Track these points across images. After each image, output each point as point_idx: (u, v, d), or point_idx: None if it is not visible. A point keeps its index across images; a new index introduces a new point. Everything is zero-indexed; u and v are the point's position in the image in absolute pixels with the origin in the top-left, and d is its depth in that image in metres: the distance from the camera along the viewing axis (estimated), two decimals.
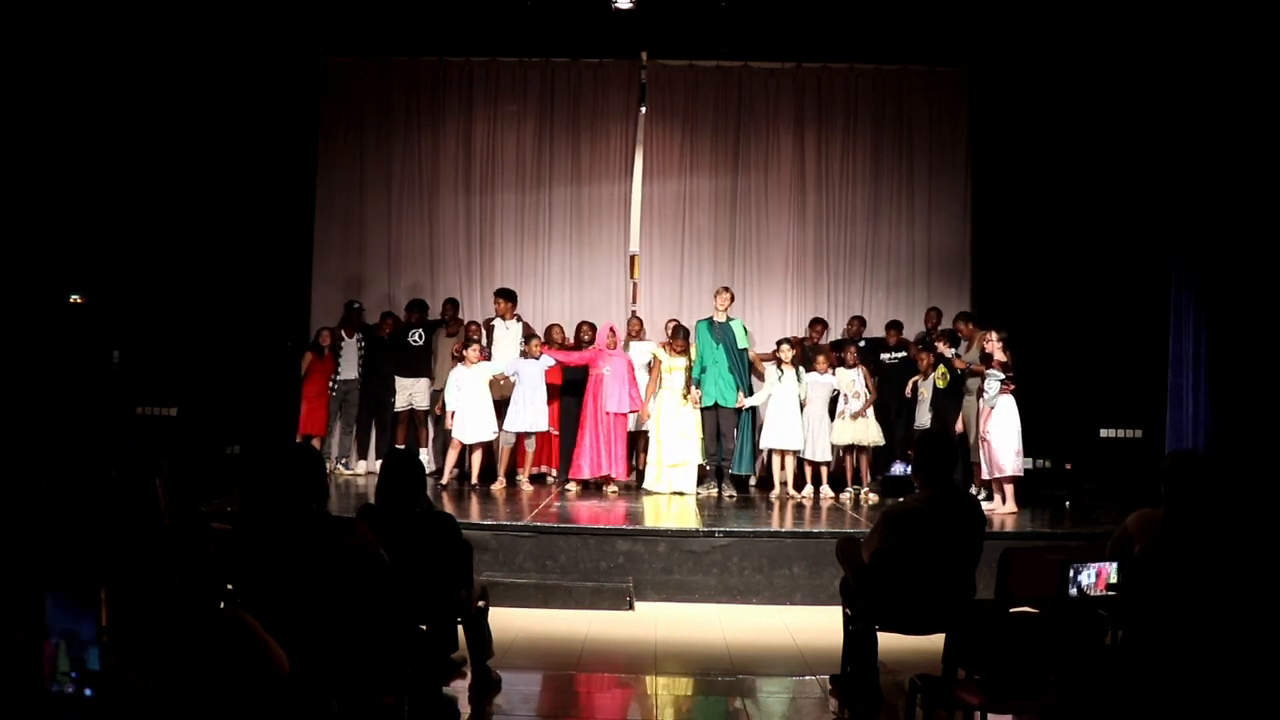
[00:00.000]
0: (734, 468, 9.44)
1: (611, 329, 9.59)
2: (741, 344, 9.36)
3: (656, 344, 10.14)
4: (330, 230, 11.22)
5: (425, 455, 10.38)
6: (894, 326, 10.41)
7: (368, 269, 11.26)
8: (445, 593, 4.49)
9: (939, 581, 4.43)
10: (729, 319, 9.44)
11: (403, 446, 10.14)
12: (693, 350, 9.43)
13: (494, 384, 9.52)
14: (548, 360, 9.43)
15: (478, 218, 11.35)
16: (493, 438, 9.41)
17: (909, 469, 8.96)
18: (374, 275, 11.26)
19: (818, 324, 10.55)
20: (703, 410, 9.30)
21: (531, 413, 9.29)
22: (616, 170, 11.37)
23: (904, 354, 10.12)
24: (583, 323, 10.13)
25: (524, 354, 9.51)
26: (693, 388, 9.27)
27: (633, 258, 11.43)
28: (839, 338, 10.77)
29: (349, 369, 10.39)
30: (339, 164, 11.26)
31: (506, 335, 10.09)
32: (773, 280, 11.30)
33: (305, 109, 11.00)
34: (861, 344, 10.20)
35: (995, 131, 10.85)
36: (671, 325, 9.84)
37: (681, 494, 9.19)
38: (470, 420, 9.22)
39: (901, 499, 4.89)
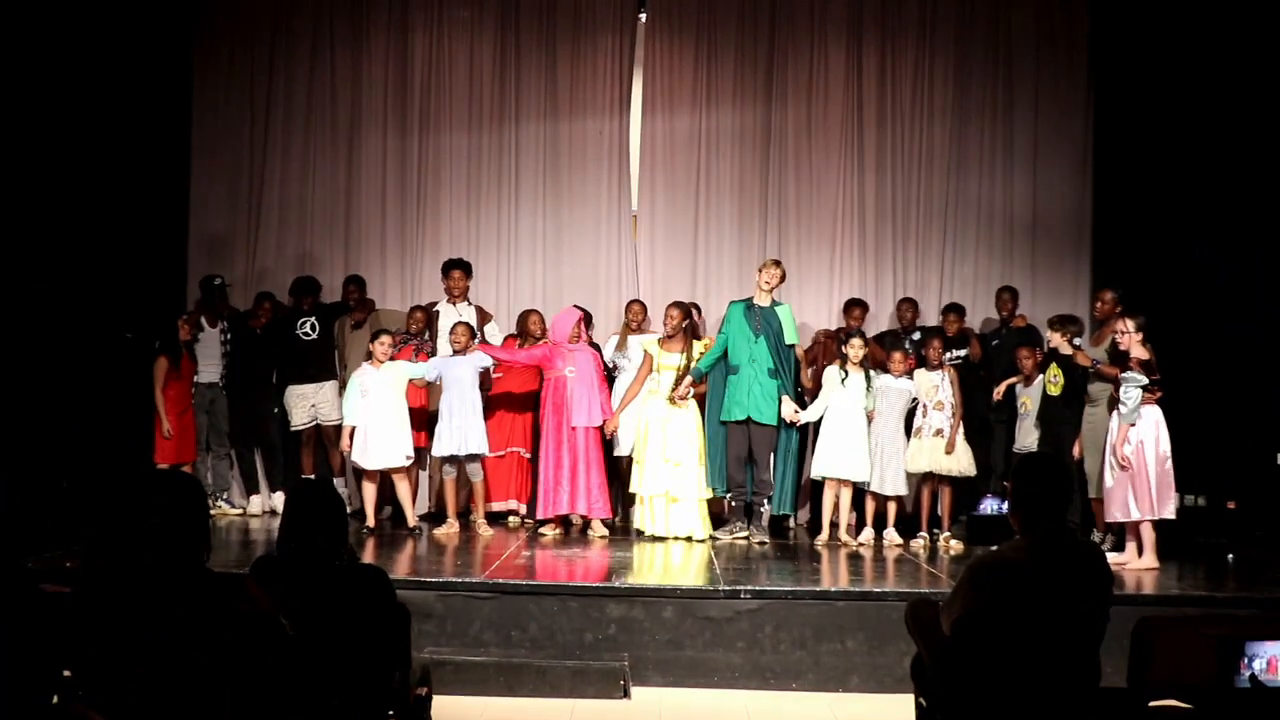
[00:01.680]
0: (774, 507, 9.40)
1: (579, 319, 9.45)
2: (790, 338, 9.30)
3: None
4: (211, 184, 11.20)
5: (340, 489, 10.34)
6: (954, 311, 10.39)
7: (264, 236, 11.26)
8: (372, 676, 4.44)
9: (1047, 662, 4.39)
10: (775, 303, 9.36)
11: (311, 476, 10.08)
12: (697, 345, 9.37)
13: (416, 390, 9.51)
14: (483, 358, 9.34)
15: (415, 165, 11.37)
16: (405, 464, 9.32)
17: (1004, 506, 8.94)
18: (271, 243, 11.26)
19: (855, 307, 10.53)
20: (728, 425, 9.22)
21: (461, 429, 9.16)
22: (607, 101, 11.37)
23: (966, 351, 10.13)
24: (531, 311, 10.11)
25: (458, 351, 9.36)
26: (688, 378, 9.17)
27: (631, 219, 11.42)
28: (887, 329, 10.72)
29: (209, 369, 10.29)
30: (223, 94, 11.25)
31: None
32: (819, 249, 11.34)
33: (174, 15, 10.89)
34: (916, 336, 10.20)
35: (1127, 49, 10.79)
36: (637, 306, 9.86)
37: (678, 539, 9.14)
38: (375, 439, 9.17)
39: (995, 548, 4.85)
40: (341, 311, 10.50)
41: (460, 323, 9.50)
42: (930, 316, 10.79)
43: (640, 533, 9.32)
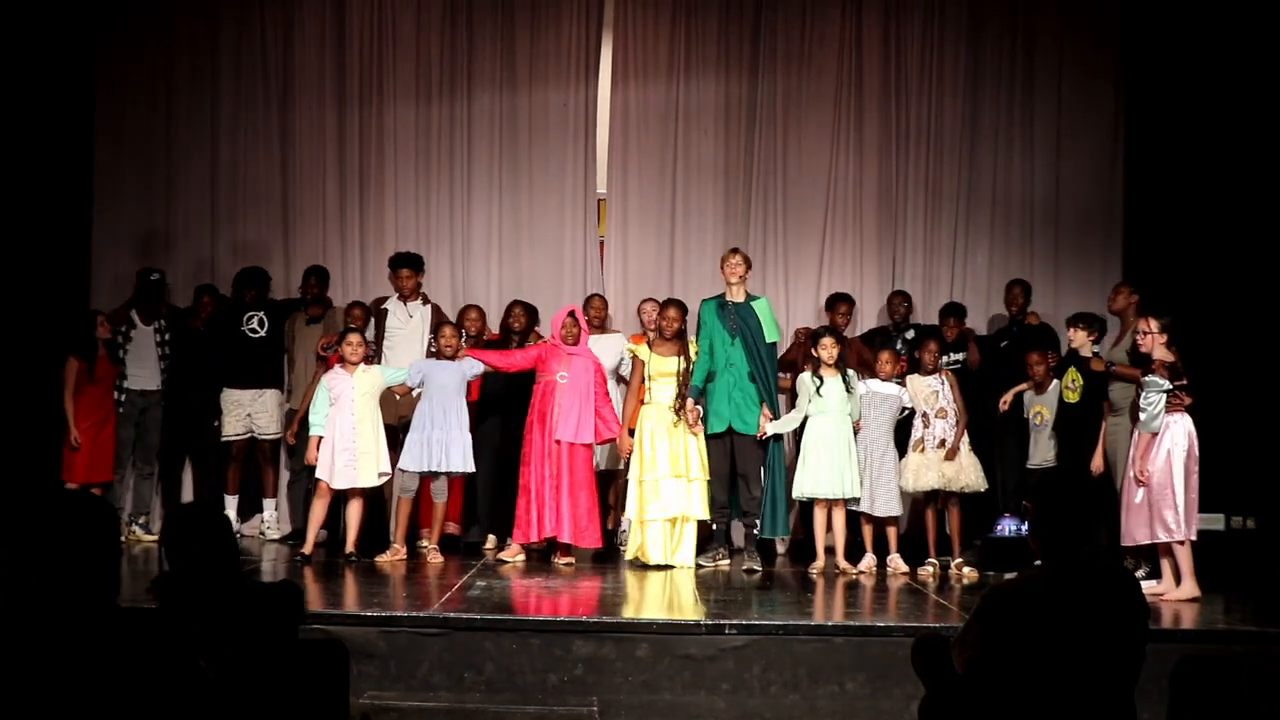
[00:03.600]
0: (766, 529, 9.41)
1: (572, 312, 9.53)
2: (770, 336, 9.35)
3: (628, 337, 10.12)
4: (119, 164, 11.16)
5: (271, 511, 10.42)
6: (954, 314, 10.41)
7: (185, 224, 11.22)
8: None
9: (1074, 706, 4.39)
10: (749, 297, 9.39)
11: (191, 500, 10.02)
12: (692, 345, 9.41)
13: (384, 399, 9.48)
14: (473, 365, 9.38)
15: (356, 143, 11.37)
16: (381, 483, 9.36)
17: (1023, 528, 8.95)
18: (193, 233, 11.23)
19: (840, 303, 10.55)
20: (708, 439, 9.26)
21: (447, 443, 9.20)
22: (572, 69, 11.40)
23: (964, 356, 10.18)
24: (515, 303, 10.12)
25: (435, 354, 9.41)
26: (689, 402, 9.24)
27: (598, 203, 11.43)
28: (874, 326, 10.75)
29: (143, 374, 10.25)
30: (132, 63, 11.21)
31: (408, 325, 10.06)
32: (812, 238, 11.39)
33: None
34: (909, 335, 10.26)
35: (1163, 15, 10.75)
36: (649, 306, 9.93)
37: (672, 567, 9.16)
38: (346, 454, 9.15)
39: (1013, 575, 4.85)
40: (298, 308, 10.48)
41: (448, 324, 9.57)
42: (933, 313, 10.80)
43: (625, 560, 9.35)
